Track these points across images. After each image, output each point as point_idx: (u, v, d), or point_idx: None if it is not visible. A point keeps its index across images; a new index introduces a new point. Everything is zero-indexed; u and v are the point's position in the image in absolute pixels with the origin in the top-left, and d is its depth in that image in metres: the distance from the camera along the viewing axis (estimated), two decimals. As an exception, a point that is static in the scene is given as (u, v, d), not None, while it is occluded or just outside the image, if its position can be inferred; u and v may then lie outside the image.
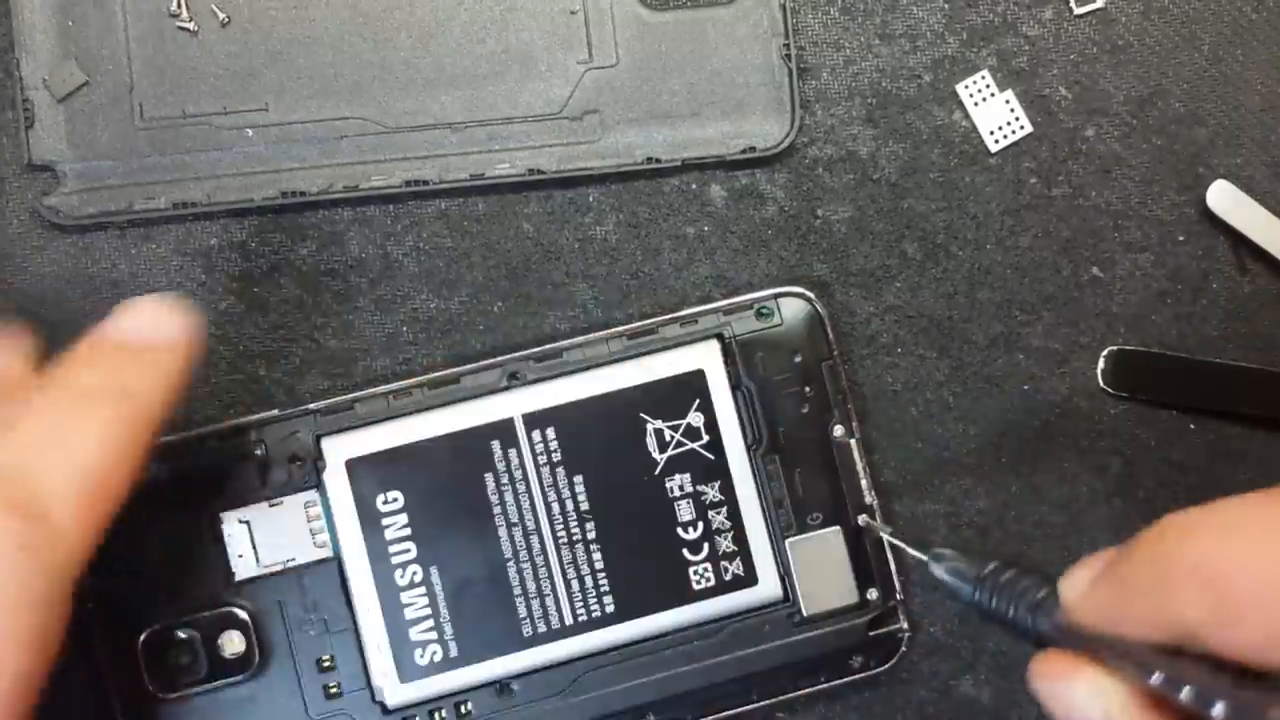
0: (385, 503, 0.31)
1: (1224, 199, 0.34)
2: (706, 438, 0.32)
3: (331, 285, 0.34)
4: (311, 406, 0.32)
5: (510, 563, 0.31)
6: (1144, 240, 0.35)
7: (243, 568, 0.31)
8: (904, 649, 0.33)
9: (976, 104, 0.34)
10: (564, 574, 0.32)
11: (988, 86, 0.34)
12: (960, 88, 0.34)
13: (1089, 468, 0.34)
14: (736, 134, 0.34)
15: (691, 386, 0.32)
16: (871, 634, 0.32)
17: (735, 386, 0.32)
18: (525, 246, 0.34)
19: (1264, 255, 0.34)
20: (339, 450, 0.31)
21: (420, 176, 0.33)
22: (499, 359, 0.32)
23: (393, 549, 0.31)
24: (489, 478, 0.31)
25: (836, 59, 0.34)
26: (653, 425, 0.32)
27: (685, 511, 0.32)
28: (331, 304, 0.34)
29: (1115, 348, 0.34)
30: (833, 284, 0.34)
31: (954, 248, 0.34)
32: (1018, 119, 0.34)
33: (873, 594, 0.32)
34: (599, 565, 0.32)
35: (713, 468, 0.32)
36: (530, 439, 0.32)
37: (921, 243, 0.34)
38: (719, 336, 0.32)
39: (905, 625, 0.33)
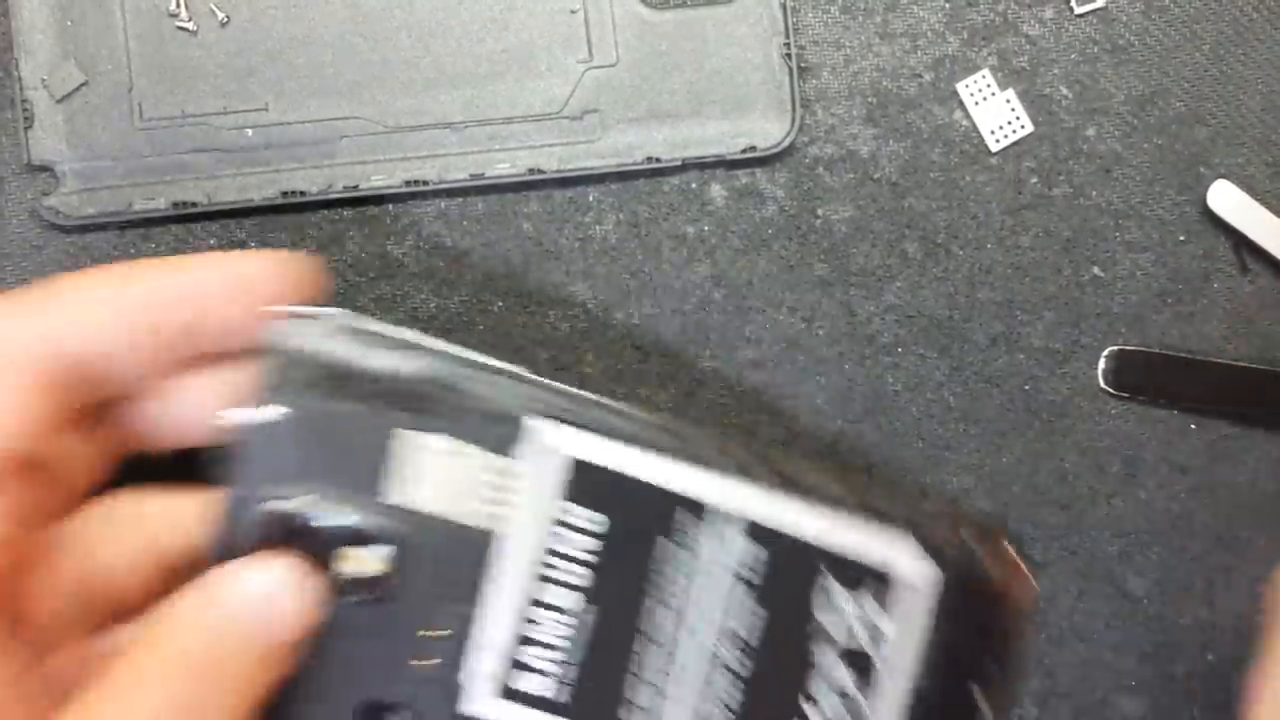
0: (590, 521, 0.27)
1: (1225, 199, 0.34)
2: (876, 661, 0.28)
3: (331, 285, 0.34)
4: (556, 384, 0.27)
5: (649, 643, 0.27)
6: (1145, 240, 0.34)
7: (397, 490, 0.26)
8: None
9: (977, 103, 0.34)
10: (691, 685, 0.28)
11: (988, 86, 0.34)
12: (961, 87, 0.34)
13: (1090, 468, 0.34)
14: (737, 133, 0.34)
15: (888, 588, 0.28)
16: None
17: (936, 626, 0.28)
18: (525, 246, 0.34)
19: (1265, 255, 0.34)
20: (560, 439, 0.27)
21: (420, 176, 0.33)
22: (732, 445, 0.28)
23: (561, 564, 0.27)
24: (683, 555, 0.28)
25: (837, 58, 0.34)
26: (835, 613, 0.28)
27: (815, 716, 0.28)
28: (331, 304, 0.34)
29: (1116, 347, 0.34)
30: (833, 283, 0.34)
31: (954, 247, 0.34)
32: (1018, 118, 0.34)
33: None
34: (730, 703, 0.28)
35: (867, 696, 0.28)
36: (740, 548, 0.28)
37: (922, 242, 0.34)
38: (928, 545, 0.28)
39: None
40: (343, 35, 0.33)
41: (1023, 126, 0.34)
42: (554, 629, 0.27)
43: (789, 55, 0.33)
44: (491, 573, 0.27)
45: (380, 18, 0.33)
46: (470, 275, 0.34)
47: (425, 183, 0.33)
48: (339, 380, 0.26)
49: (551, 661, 0.27)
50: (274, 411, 0.26)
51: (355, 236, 0.34)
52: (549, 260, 0.34)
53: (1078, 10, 0.34)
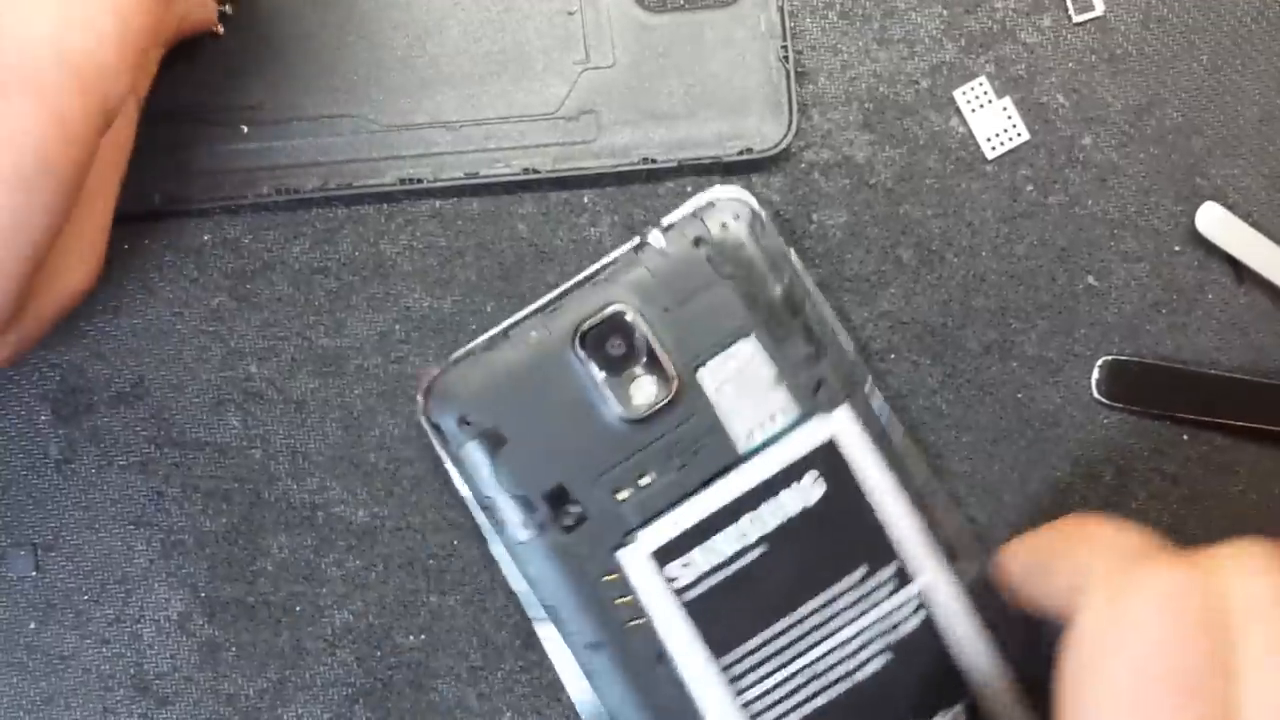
0: (813, 490, 0.31)
1: (1212, 220, 0.34)
2: None
3: (324, 283, 0.34)
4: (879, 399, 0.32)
5: (791, 617, 0.31)
6: (1140, 250, 0.34)
7: (707, 376, 0.31)
8: None
9: (974, 110, 0.34)
10: (801, 667, 0.31)
11: (985, 93, 0.34)
12: (958, 94, 0.34)
13: (1081, 477, 0.34)
14: (733, 135, 0.33)
15: None
16: None
17: None
18: (519, 247, 0.34)
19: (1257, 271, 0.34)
20: (846, 427, 0.32)
21: (415, 175, 0.33)
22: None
23: (768, 506, 0.31)
24: (866, 589, 0.32)
25: (834, 63, 0.34)
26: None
27: None
28: (324, 302, 0.34)
29: (1109, 357, 0.34)
30: (827, 288, 0.34)
31: (949, 254, 0.34)
32: (1015, 126, 0.34)
33: None
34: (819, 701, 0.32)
35: None
36: (906, 610, 0.32)
37: (916, 249, 0.34)
38: None
39: None
40: (340, 33, 0.33)
41: (1019, 134, 0.34)
42: (727, 546, 0.31)
43: (786, 58, 0.33)
44: (724, 478, 0.31)
45: (377, 16, 0.33)
46: (463, 275, 0.34)
47: (420, 181, 0.33)
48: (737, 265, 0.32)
49: (705, 565, 0.31)
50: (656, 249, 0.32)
51: (349, 234, 0.34)
52: (543, 261, 0.34)
53: (1076, 19, 0.34)
